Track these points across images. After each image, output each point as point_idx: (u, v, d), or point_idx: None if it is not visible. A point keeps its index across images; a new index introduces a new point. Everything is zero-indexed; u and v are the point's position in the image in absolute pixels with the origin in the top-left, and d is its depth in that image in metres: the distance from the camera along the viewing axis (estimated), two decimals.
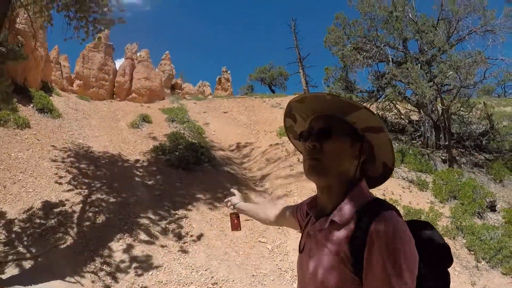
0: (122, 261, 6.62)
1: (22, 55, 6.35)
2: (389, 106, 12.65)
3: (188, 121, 14.02)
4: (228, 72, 23.19)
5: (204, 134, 13.41)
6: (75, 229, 7.16)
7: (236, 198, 1.99)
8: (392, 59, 11.42)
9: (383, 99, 12.34)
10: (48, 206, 7.68)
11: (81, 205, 7.88)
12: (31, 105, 11.48)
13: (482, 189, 9.13)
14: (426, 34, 10.81)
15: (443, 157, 10.78)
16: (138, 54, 18.18)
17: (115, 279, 6.24)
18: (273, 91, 24.21)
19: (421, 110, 11.48)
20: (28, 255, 6.26)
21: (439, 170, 10.19)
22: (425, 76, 10.05)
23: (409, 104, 12.53)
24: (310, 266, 1.17)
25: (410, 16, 11.43)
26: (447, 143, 10.34)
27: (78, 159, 9.80)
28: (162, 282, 6.23)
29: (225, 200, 2.04)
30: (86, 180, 8.83)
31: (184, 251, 7.08)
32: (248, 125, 15.01)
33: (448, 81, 10.13)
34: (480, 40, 11.18)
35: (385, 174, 1.25)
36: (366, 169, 1.23)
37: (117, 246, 6.94)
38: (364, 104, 11.33)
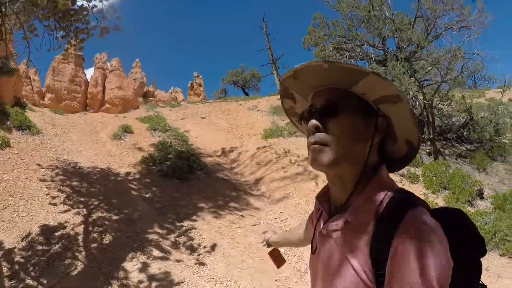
0: (141, 281, 6.16)
1: (14, 70, 5.71)
2: None
3: (170, 129, 13.49)
4: (200, 77, 22.64)
5: (188, 141, 12.95)
6: (83, 253, 6.59)
7: (268, 234, 1.80)
8: (373, 57, 11.60)
9: None
10: (47, 231, 7.02)
11: (83, 225, 7.28)
12: (8, 122, 10.51)
13: (470, 178, 9.47)
14: (403, 32, 11.08)
15: (427, 150, 11.09)
16: (109, 64, 17.25)
17: None
18: (246, 94, 23.85)
19: None
20: (40, 287, 5.64)
21: (426, 163, 10.46)
22: (406, 73, 10.29)
23: None
24: (323, 272, 1.00)
25: (387, 15, 11.68)
26: (431, 136, 10.63)
27: (68, 176, 9.09)
28: None
29: (260, 242, 1.86)
30: (82, 199, 8.19)
31: (201, 264, 6.72)
32: (229, 129, 14.69)
33: (429, 77, 10.44)
34: (456, 36, 11.65)
35: (410, 154, 1.02)
36: (387, 150, 1.02)
37: (132, 266, 6.45)
38: None
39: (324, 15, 12.37)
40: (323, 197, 1.07)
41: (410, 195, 0.91)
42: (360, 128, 0.92)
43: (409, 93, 10.35)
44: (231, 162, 12.14)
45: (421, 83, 10.76)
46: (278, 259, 1.76)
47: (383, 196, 0.90)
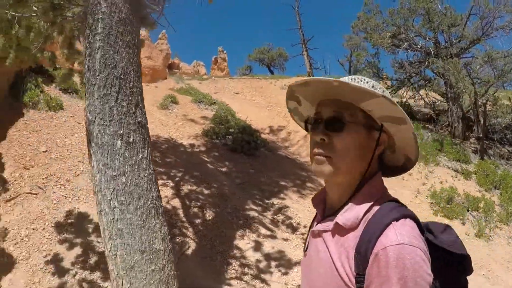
0: (258, 261, 5.29)
1: (155, 22, 4.46)
2: (414, 95, 12.24)
3: (215, 102, 12.30)
4: (225, 52, 21.17)
5: (236, 116, 11.81)
6: (190, 229, 5.58)
7: None
8: (432, 51, 10.87)
9: (409, 87, 11.92)
10: None
11: (177, 199, 6.21)
12: (53, 85, 8.98)
13: None
14: (455, 27, 10.46)
15: (472, 148, 10.66)
16: None
17: (264, 282, 4.92)
18: (272, 72, 22.57)
19: (449, 101, 11.14)
20: None
21: (474, 161, 10.00)
22: (462, 70, 9.73)
23: (432, 92, 12.22)
24: (309, 270, 0.94)
25: (440, 9, 10.96)
26: (481, 135, 10.17)
27: None
28: None
29: None
30: (161, 169, 7.06)
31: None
32: (270, 107, 13.55)
33: (483, 75, 9.97)
34: (505, 37, 11.22)
35: (406, 166, 0.97)
36: (384, 157, 0.96)
37: (245, 244, 5.54)
38: (389, 91, 10.76)
39: (378, 2, 11.52)
40: (317, 199, 1.02)
41: (398, 205, 0.84)
42: (363, 143, 0.87)
43: (464, 91, 9.82)
44: (281, 141, 11.19)
45: (473, 80, 10.22)
46: None
47: (373, 203, 0.85)
